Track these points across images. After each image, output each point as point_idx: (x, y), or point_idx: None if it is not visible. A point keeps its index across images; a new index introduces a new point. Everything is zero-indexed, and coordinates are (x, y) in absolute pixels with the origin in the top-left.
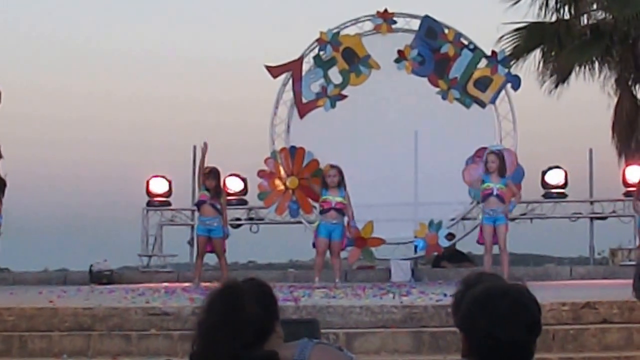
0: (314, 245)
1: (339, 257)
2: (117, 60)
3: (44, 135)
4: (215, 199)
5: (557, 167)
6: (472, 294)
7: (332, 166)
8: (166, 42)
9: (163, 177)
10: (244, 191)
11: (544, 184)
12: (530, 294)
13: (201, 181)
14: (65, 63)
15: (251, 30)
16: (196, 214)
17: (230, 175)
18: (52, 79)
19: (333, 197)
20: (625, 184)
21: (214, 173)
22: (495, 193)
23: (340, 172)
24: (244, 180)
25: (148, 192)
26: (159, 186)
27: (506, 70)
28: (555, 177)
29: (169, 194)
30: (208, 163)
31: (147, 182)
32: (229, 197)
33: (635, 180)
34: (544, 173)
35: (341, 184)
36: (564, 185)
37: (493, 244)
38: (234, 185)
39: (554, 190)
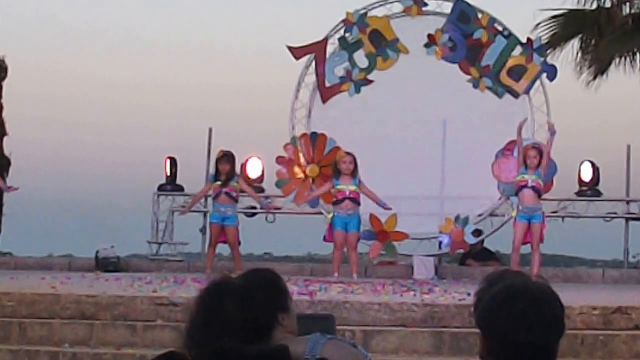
0: (324, 239)
1: (356, 251)
2: (134, 45)
3: (51, 115)
4: (230, 186)
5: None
6: (491, 291)
7: (347, 153)
8: (182, 24)
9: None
10: (261, 177)
11: (580, 180)
12: (551, 291)
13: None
14: (78, 46)
15: (273, 11)
16: (210, 200)
17: (251, 157)
18: (64, 60)
19: (347, 186)
20: None
21: (227, 156)
22: (530, 185)
23: (354, 160)
24: (262, 165)
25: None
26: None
27: (542, 59)
28: (584, 172)
29: (174, 172)
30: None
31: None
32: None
33: None
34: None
35: (355, 173)
36: (595, 179)
37: (524, 243)
38: (253, 169)
39: (584, 182)
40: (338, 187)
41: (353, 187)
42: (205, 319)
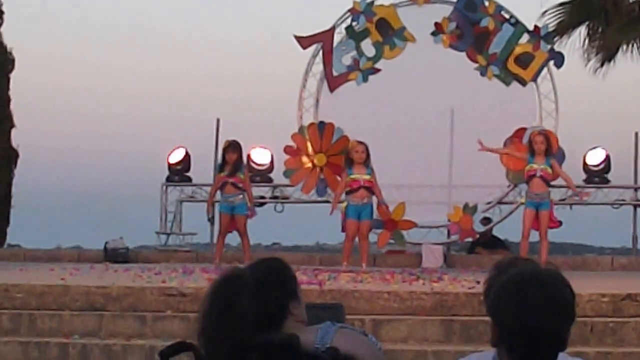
0: (343, 230)
1: (367, 240)
2: (141, 35)
3: (60, 107)
4: (236, 177)
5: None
6: (501, 279)
7: (360, 142)
8: (190, 16)
9: (182, 147)
10: (271, 166)
11: (586, 168)
12: (563, 278)
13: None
14: (86, 37)
15: (280, 1)
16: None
17: (256, 147)
18: (71, 52)
19: (361, 175)
20: None
21: (233, 146)
22: (538, 174)
23: (367, 149)
24: (271, 154)
25: (168, 164)
26: (176, 155)
27: (549, 46)
28: (595, 158)
29: (187, 164)
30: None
31: (168, 157)
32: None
33: None
34: (584, 158)
35: (367, 162)
36: (606, 167)
37: (532, 230)
38: (260, 158)
39: (594, 168)
40: (352, 176)
41: (367, 177)
42: (219, 313)
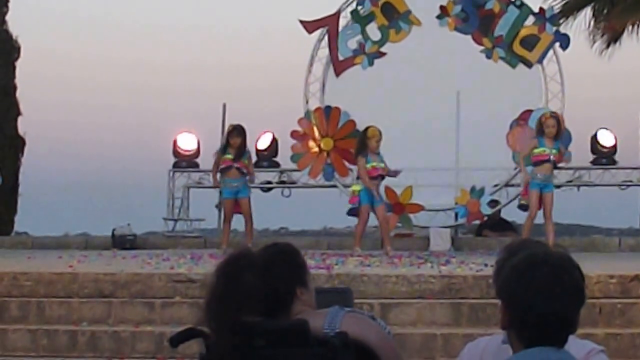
0: (349, 213)
1: (388, 223)
2: (146, 26)
3: (68, 96)
4: (240, 162)
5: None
6: (512, 261)
7: (380, 131)
8: (196, 4)
9: (191, 132)
10: (272, 148)
11: (594, 148)
12: (572, 261)
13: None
14: (92, 28)
15: None
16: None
17: (264, 132)
18: (78, 43)
19: (378, 164)
20: None
21: (237, 130)
22: (551, 159)
23: None
24: (275, 139)
25: (175, 150)
26: (187, 142)
27: (555, 28)
28: (606, 139)
29: (197, 152)
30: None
31: (175, 140)
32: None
33: None
34: (593, 137)
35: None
36: (614, 149)
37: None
38: (261, 143)
39: (605, 150)
40: (372, 164)
41: (383, 164)
42: (224, 290)
